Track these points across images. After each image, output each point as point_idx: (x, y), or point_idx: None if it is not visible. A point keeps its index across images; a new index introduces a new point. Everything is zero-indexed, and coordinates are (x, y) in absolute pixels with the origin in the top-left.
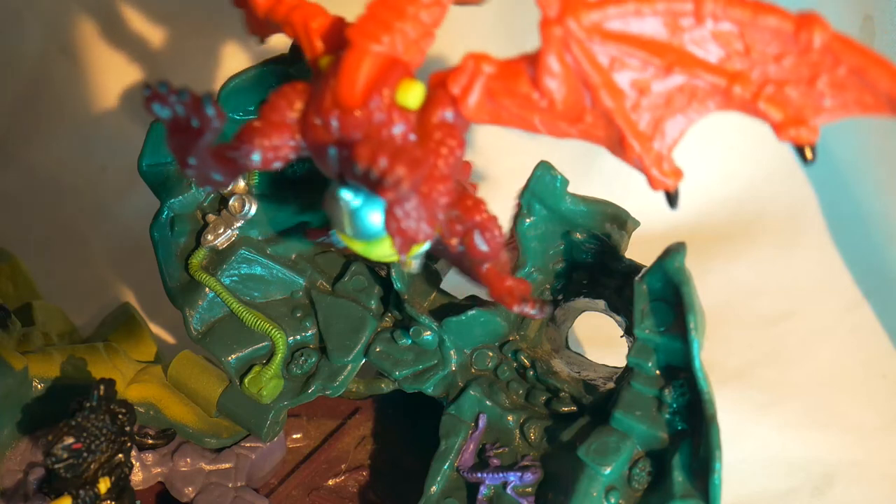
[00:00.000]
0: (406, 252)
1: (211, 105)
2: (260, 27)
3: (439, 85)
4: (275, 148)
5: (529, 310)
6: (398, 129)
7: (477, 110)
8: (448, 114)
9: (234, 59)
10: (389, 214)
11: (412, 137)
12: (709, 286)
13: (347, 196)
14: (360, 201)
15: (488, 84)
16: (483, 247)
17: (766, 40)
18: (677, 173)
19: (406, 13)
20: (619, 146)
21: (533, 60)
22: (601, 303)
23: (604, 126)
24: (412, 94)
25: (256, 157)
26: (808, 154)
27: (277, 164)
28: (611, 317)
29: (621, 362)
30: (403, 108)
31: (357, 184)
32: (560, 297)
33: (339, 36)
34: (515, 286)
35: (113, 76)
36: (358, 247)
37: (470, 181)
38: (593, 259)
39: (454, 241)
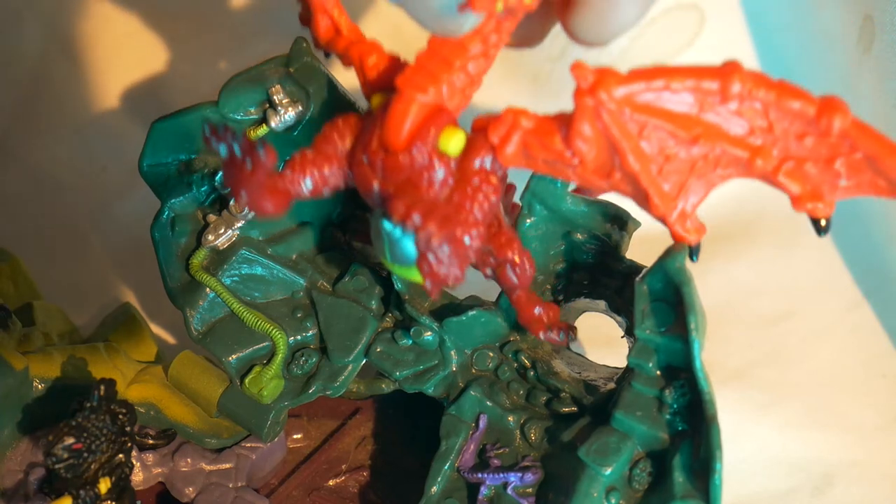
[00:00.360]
0: (437, 293)
1: (264, 149)
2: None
3: (479, 132)
4: (324, 178)
5: (555, 337)
6: (438, 175)
7: (513, 159)
8: (486, 160)
9: (235, 60)
10: (422, 259)
11: (451, 182)
12: (709, 286)
13: (388, 226)
14: (400, 232)
15: (525, 137)
16: (514, 280)
17: (789, 120)
18: (700, 230)
19: (453, 66)
20: (644, 202)
21: (566, 121)
22: (602, 303)
23: (630, 184)
24: (454, 142)
25: (307, 187)
26: (822, 225)
27: (327, 192)
28: (611, 317)
29: (621, 362)
30: (444, 154)
31: None
32: (560, 297)
33: (392, 73)
34: (544, 312)
35: (113, 76)
36: (395, 269)
37: (514, 201)
38: (594, 260)
39: (487, 271)
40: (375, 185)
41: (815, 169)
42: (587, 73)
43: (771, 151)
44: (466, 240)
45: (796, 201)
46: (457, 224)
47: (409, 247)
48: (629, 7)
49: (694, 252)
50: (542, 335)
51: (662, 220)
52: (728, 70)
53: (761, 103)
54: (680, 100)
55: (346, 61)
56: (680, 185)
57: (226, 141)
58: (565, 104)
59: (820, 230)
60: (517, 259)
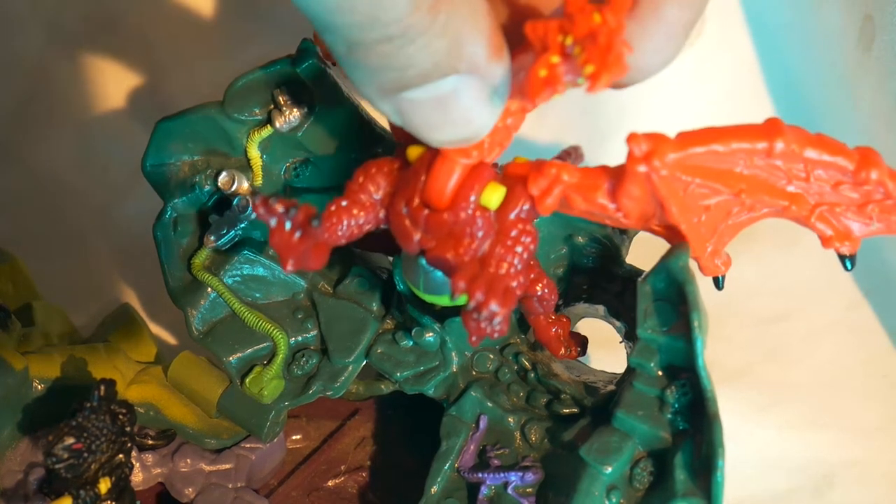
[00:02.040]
0: (478, 344)
1: (320, 223)
2: None
3: (517, 181)
4: (360, 226)
5: (574, 355)
6: (481, 229)
7: (551, 209)
8: (524, 209)
9: (235, 60)
10: (469, 317)
11: (491, 234)
12: (708, 286)
13: (425, 264)
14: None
15: (567, 191)
16: (539, 310)
17: (825, 169)
18: (727, 263)
19: (496, 126)
20: (676, 241)
21: (613, 176)
22: (601, 308)
23: (666, 229)
24: (495, 197)
25: (344, 234)
26: (849, 264)
27: (358, 236)
28: (610, 323)
29: (620, 364)
30: (485, 208)
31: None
32: (560, 302)
33: None
34: (561, 332)
35: (113, 76)
36: (425, 297)
37: None
38: (594, 264)
39: None
40: (416, 237)
41: (847, 213)
42: (641, 142)
43: (807, 199)
44: (511, 291)
45: (826, 241)
46: (512, 291)
47: (441, 280)
48: (663, 47)
49: (720, 282)
50: (560, 353)
51: (693, 258)
52: (773, 129)
53: (803, 161)
54: (727, 160)
55: None
56: (713, 230)
57: (276, 214)
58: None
59: (847, 265)
60: (546, 294)
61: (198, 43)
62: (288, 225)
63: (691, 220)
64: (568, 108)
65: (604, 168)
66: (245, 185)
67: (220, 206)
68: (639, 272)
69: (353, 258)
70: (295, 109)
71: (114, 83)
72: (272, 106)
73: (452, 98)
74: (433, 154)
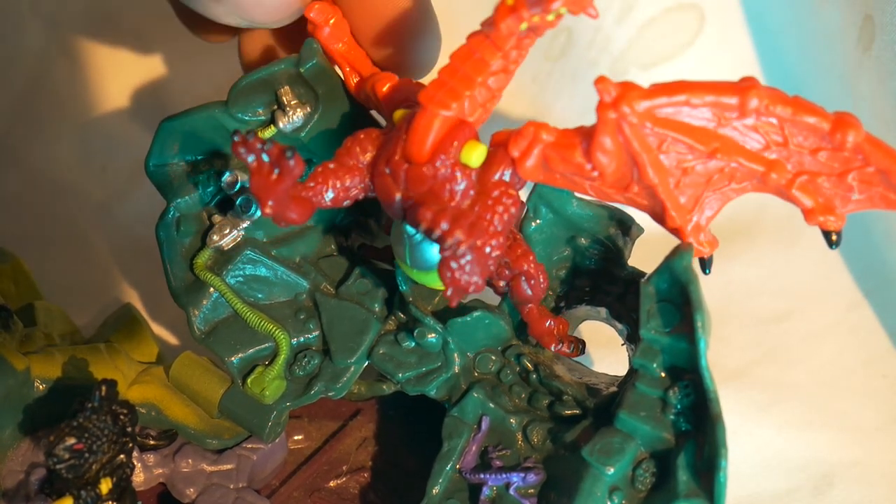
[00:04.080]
0: (457, 301)
1: (293, 156)
2: None
3: (500, 146)
4: (346, 189)
5: (566, 349)
6: (460, 186)
7: (533, 172)
8: (506, 173)
9: (235, 60)
10: (444, 266)
11: (472, 193)
12: (709, 286)
13: (410, 231)
14: (420, 238)
15: (545, 151)
16: (528, 291)
17: (804, 134)
18: (713, 243)
19: (475, 82)
20: (661, 215)
21: (587, 134)
22: (603, 311)
23: (648, 196)
24: (475, 155)
25: (329, 197)
26: (833, 238)
27: (347, 203)
28: (611, 325)
29: (622, 365)
30: (466, 166)
31: None
32: (562, 304)
33: (407, 92)
34: (555, 326)
35: (113, 76)
36: (413, 274)
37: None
38: (596, 265)
39: (501, 283)
40: (397, 196)
41: (828, 183)
42: (610, 87)
43: (785, 165)
44: (487, 249)
45: (808, 214)
46: (481, 232)
47: (430, 252)
48: None
49: (707, 265)
50: (553, 348)
51: (677, 233)
52: (746, 86)
53: (777, 119)
54: (699, 114)
55: (371, 104)
56: (696, 199)
57: (254, 150)
58: (564, 104)
59: (831, 243)
60: (532, 270)
61: (198, 43)
62: (265, 158)
63: (668, 183)
64: (568, 107)
65: (580, 127)
66: (247, 185)
67: (223, 206)
68: (641, 274)
69: (356, 259)
70: (298, 110)
71: (114, 83)
72: (276, 106)
73: None
74: (415, 111)
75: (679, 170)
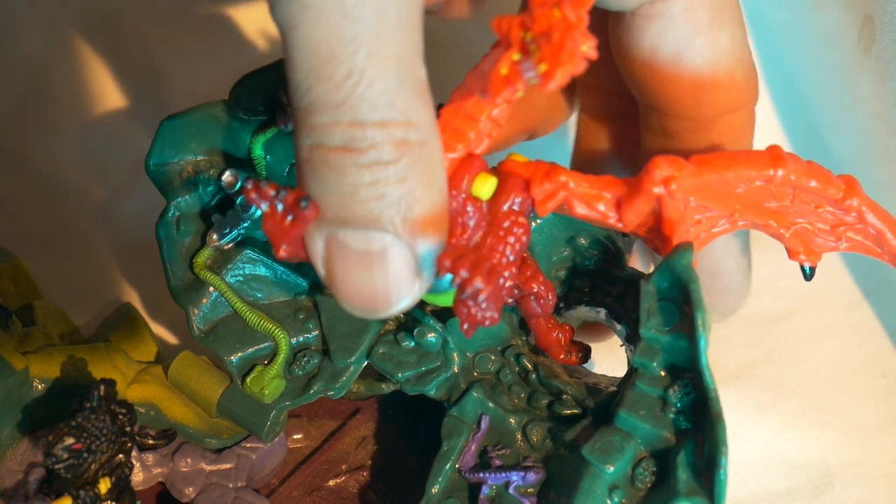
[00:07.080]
0: (472, 334)
1: (308, 206)
2: None
3: (509, 175)
4: None
5: (574, 360)
6: (472, 220)
7: (549, 211)
8: (516, 201)
9: (235, 60)
10: (460, 304)
11: (483, 225)
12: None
13: None
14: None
15: (569, 198)
16: (537, 310)
17: (814, 196)
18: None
19: (479, 120)
20: (662, 250)
21: (620, 189)
22: (602, 312)
23: (650, 232)
24: (486, 188)
25: None
26: (810, 274)
27: None
28: (611, 326)
29: (622, 364)
30: (477, 199)
31: None
32: (561, 305)
33: None
34: (562, 336)
35: (113, 76)
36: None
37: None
38: (596, 266)
39: (509, 301)
40: None
41: (821, 233)
42: (664, 167)
43: (787, 216)
44: (501, 280)
45: (792, 254)
46: (498, 275)
47: (443, 281)
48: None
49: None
50: (561, 358)
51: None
52: (777, 159)
53: (800, 189)
54: (733, 184)
55: None
56: (696, 237)
57: (268, 198)
58: None
59: (806, 276)
60: (542, 291)
61: (198, 43)
62: (279, 207)
63: (681, 232)
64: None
65: (610, 179)
66: (248, 185)
67: (223, 205)
68: (640, 275)
69: None
70: None
71: (114, 83)
72: (276, 106)
73: (381, 259)
74: None
75: (693, 221)
